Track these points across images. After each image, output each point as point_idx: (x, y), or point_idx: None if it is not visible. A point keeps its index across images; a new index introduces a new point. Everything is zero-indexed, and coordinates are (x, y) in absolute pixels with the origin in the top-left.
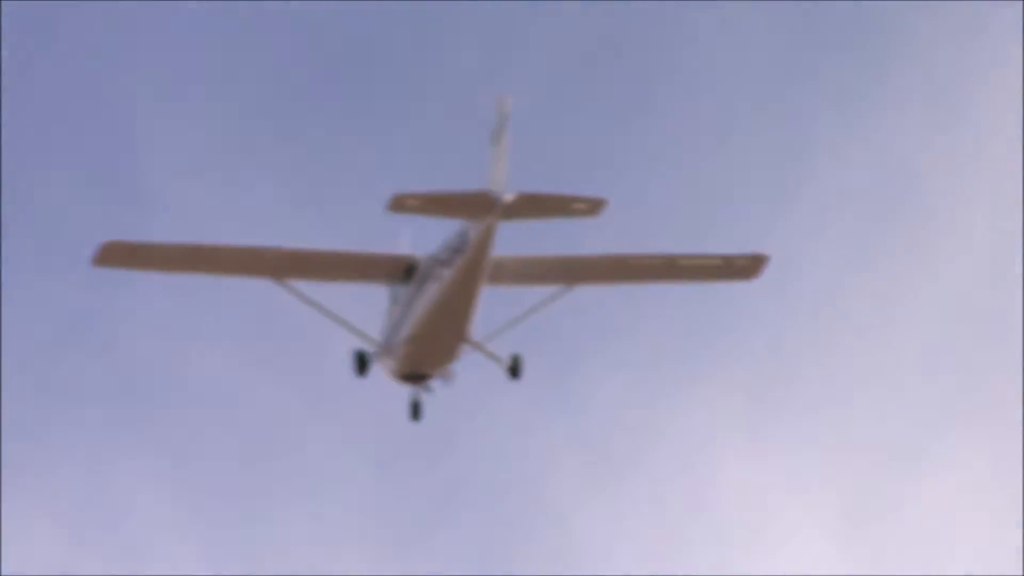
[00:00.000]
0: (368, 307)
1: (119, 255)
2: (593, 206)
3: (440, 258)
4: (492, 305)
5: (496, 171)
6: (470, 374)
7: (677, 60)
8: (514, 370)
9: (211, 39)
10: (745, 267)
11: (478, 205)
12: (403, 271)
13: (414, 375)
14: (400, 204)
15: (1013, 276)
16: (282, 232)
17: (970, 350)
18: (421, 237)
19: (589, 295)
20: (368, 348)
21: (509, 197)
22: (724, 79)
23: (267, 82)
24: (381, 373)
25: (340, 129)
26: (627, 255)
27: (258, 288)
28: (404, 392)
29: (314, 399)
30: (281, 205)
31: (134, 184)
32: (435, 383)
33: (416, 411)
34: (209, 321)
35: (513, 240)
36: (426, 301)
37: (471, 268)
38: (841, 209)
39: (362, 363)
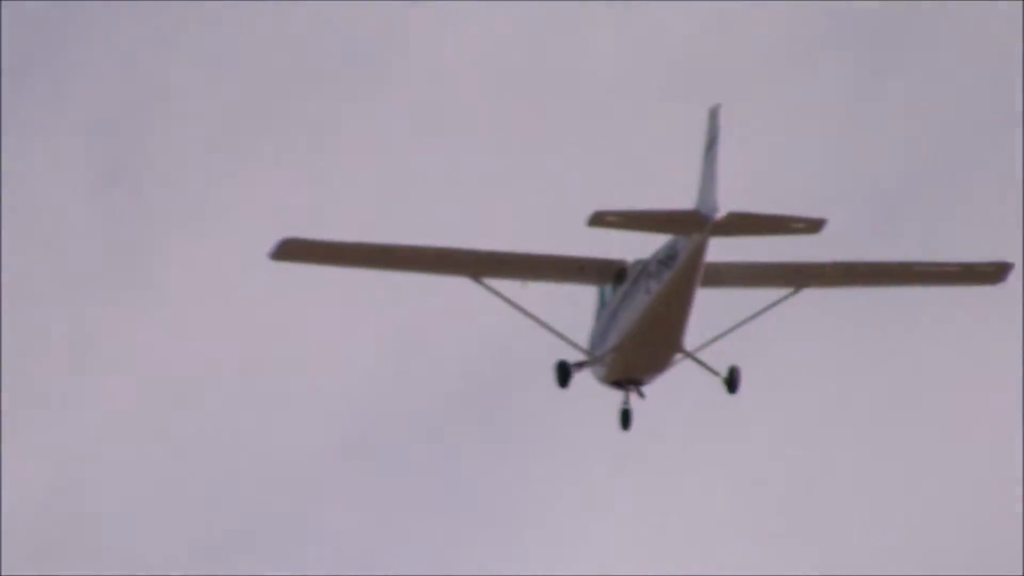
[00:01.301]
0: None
1: (298, 252)
2: (812, 226)
3: (650, 269)
4: (712, 308)
5: (706, 184)
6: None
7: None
8: (731, 383)
9: None
10: (988, 274)
11: (685, 224)
12: (613, 275)
13: (624, 381)
14: (600, 220)
15: None
16: (472, 234)
17: None
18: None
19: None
20: (571, 356)
21: (719, 216)
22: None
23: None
24: (588, 380)
25: (540, 133)
26: (859, 262)
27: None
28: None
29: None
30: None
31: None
32: (646, 389)
33: (626, 419)
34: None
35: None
36: (634, 313)
37: (680, 283)
38: None
39: (564, 374)
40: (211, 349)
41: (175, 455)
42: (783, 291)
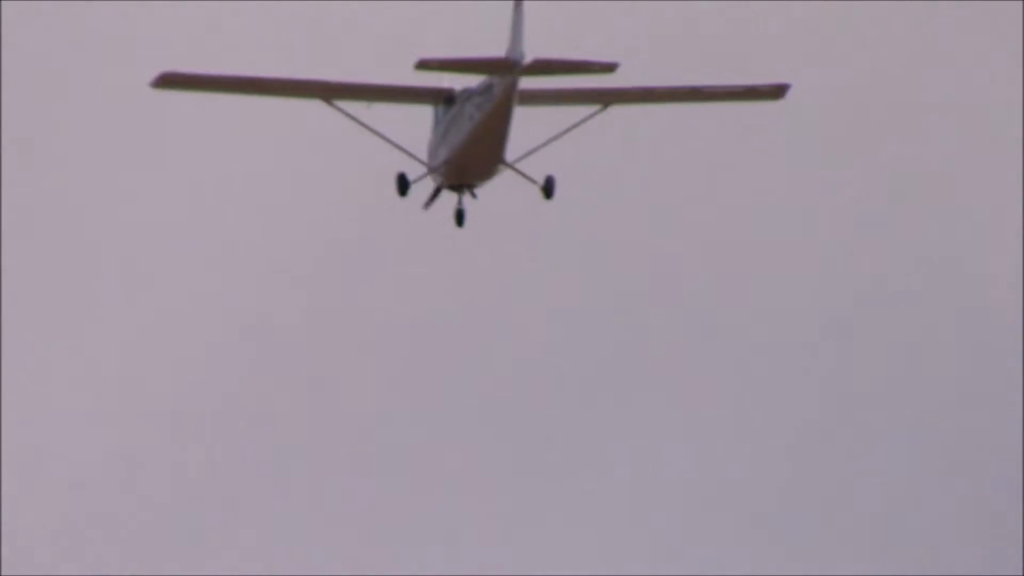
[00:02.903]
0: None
1: (178, 82)
2: (606, 68)
3: (473, 100)
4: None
5: (516, 34)
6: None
7: None
8: (547, 190)
9: None
10: (771, 92)
11: (497, 68)
12: (444, 99)
13: (457, 185)
14: (425, 65)
15: None
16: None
17: None
18: None
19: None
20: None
21: (525, 62)
22: None
23: None
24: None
25: None
26: (656, 87)
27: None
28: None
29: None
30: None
31: None
32: (476, 192)
33: (460, 218)
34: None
35: None
36: (461, 134)
37: (496, 114)
38: None
39: (403, 185)
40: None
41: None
42: (592, 108)
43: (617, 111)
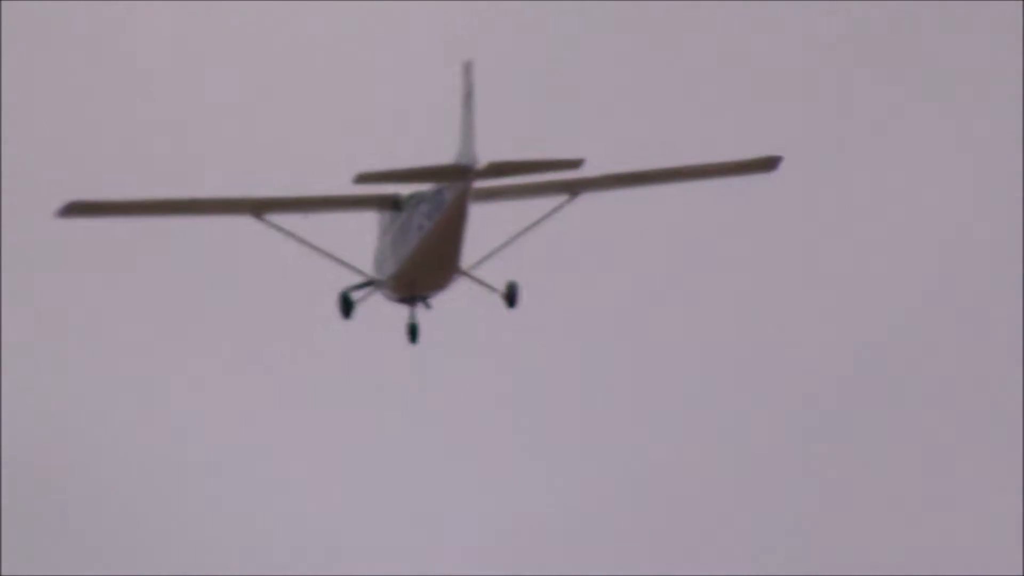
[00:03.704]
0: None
1: (85, 210)
2: (571, 164)
3: (421, 208)
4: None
5: (465, 135)
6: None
7: None
8: (509, 298)
9: None
10: (759, 166)
11: (447, 175)
12: (390, 204)
13: (408, 298)
14: (365, 178)
15: None
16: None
17: None
18: None
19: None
20: (355, 282)
21: (480, 166)
22: None
23: None
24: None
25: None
26: (631, 172)
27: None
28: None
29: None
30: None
31: None
32: (431, 302)
33: (413, 333)
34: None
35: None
36: (410, 245)
37: (448, 224)
38: None
39: (347, 305)
40: None
41: None
42: (560, 198)
43: (587, 200)
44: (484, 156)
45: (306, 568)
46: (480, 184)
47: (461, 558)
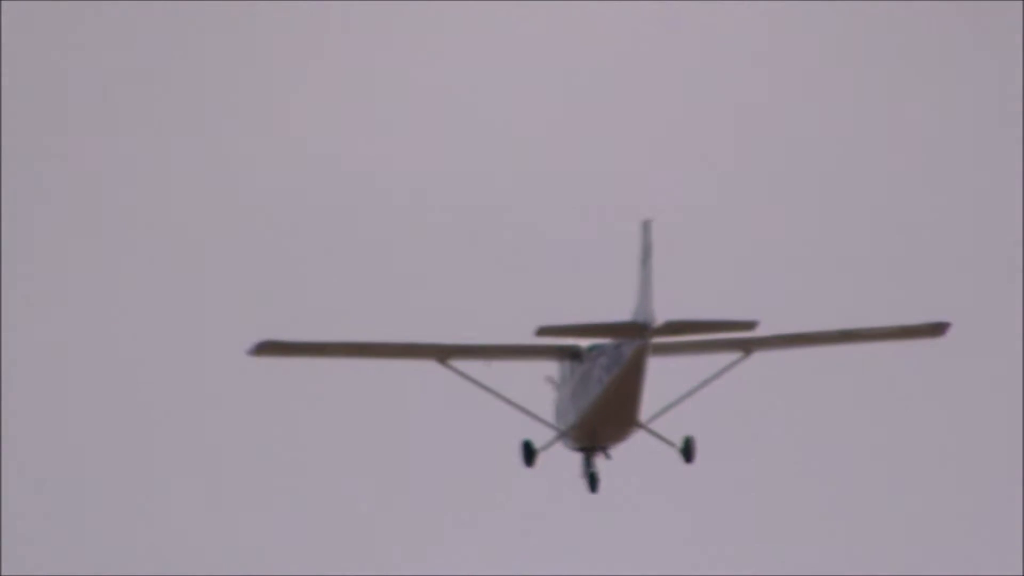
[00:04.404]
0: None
1: (276, 350)
2: (744, 326)
3: (602, 360)
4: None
5: (644, 293)
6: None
7: None
8: (687, 453)
9: None
10: (927, 332)
11: (625, 333)
12: (570, 355)
13: (588, 448)
14: (545, 332)
15: None
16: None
17: None
18: None
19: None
20: (537, 430)
21: (657, 324)
22: None
23: None
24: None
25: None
26: (802, 332)
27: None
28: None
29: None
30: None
31: None
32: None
33: (593, 482)
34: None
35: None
36: (589, 398)
37: (626, 380)
38: None
39: (529, 454)
40: None
41: None
42: (734, 355)
43: (760, 358)
44: (661, 314)
45: None
46: (657, 340)
47: None
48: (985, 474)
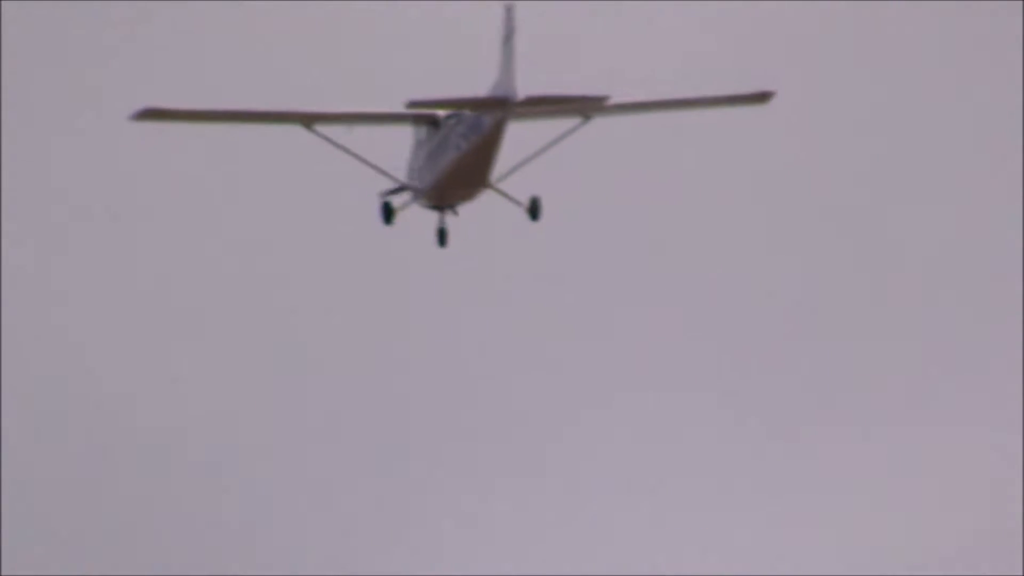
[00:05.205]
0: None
1: (157, 116)
2: (597, 102)
3: (460, 128)
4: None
5: (505, 71)
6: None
7: None
8: (533, 212)
9: None
10: (753, 99)
11: (490, 106)
12: (428, 122)
13: (439, 206)
14: (417, 104)
15: None
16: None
17: None
18: None
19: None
20: (393, 189)
21: (518, 99)
22: None
23: None
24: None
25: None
26: (640, 101)
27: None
28: None
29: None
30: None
31: None
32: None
33: (443, 237)
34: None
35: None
36: (447, 161)
37: (484, 147)
38: None
39: (388, 213)
40: None
41: None
42: (575, 121)
43: (601, 123)
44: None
45: None
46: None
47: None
48: (801, 222)
